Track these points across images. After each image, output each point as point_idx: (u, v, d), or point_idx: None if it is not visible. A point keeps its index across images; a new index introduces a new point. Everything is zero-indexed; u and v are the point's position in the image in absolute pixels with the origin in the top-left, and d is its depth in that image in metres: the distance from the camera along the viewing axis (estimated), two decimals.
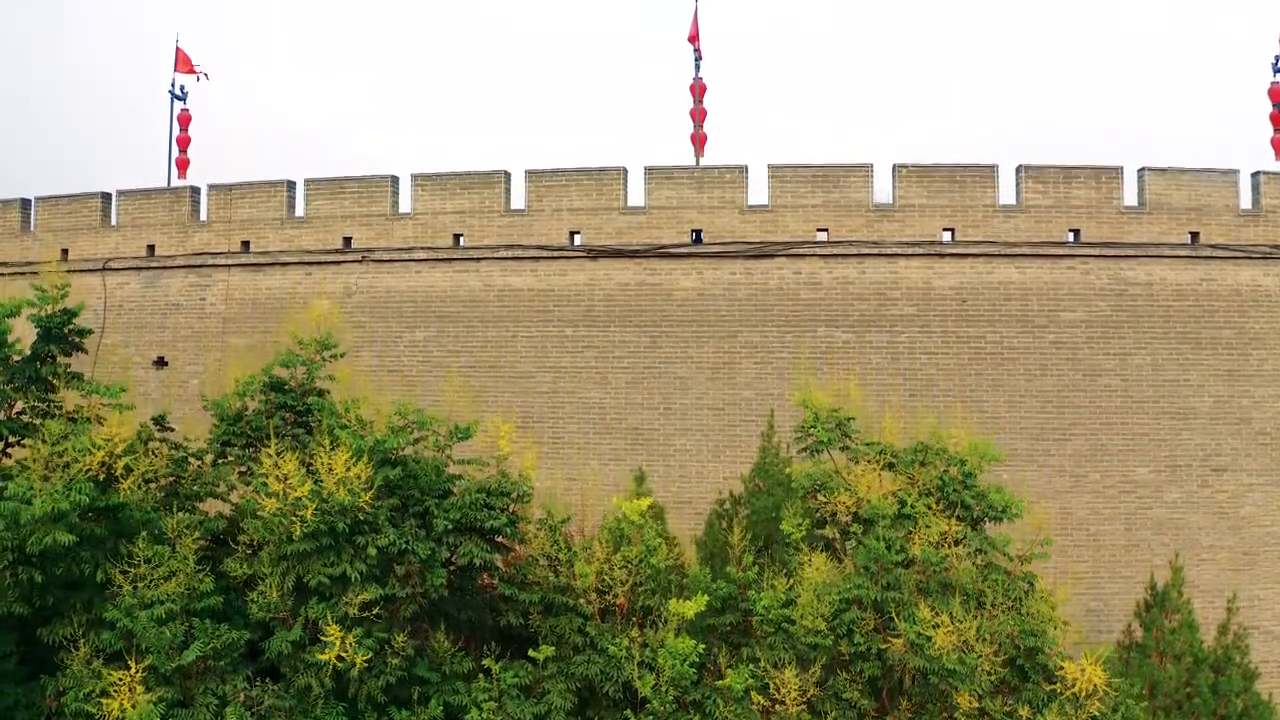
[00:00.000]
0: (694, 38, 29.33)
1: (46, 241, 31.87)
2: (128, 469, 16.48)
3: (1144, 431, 27.46)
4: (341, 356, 19.89)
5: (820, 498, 19.06)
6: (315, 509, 15.47)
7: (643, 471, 25.39)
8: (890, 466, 19.42)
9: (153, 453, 18.84)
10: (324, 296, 29.63)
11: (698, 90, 29.58)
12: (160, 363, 30.51)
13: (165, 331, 30.66)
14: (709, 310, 28.17)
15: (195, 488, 19.02)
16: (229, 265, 30.37)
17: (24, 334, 19.67)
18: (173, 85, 32.35)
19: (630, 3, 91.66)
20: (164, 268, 30.83)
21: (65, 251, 31.76)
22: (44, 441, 16.45)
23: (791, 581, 18.29)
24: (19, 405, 18.85)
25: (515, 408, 28.51)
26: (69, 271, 30.66)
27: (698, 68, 29.68)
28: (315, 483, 15.87)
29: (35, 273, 30.99)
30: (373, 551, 15.85)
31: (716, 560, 23.31)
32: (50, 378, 18.51)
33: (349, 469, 15.92)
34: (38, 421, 17.47)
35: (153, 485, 17.85)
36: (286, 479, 15.79)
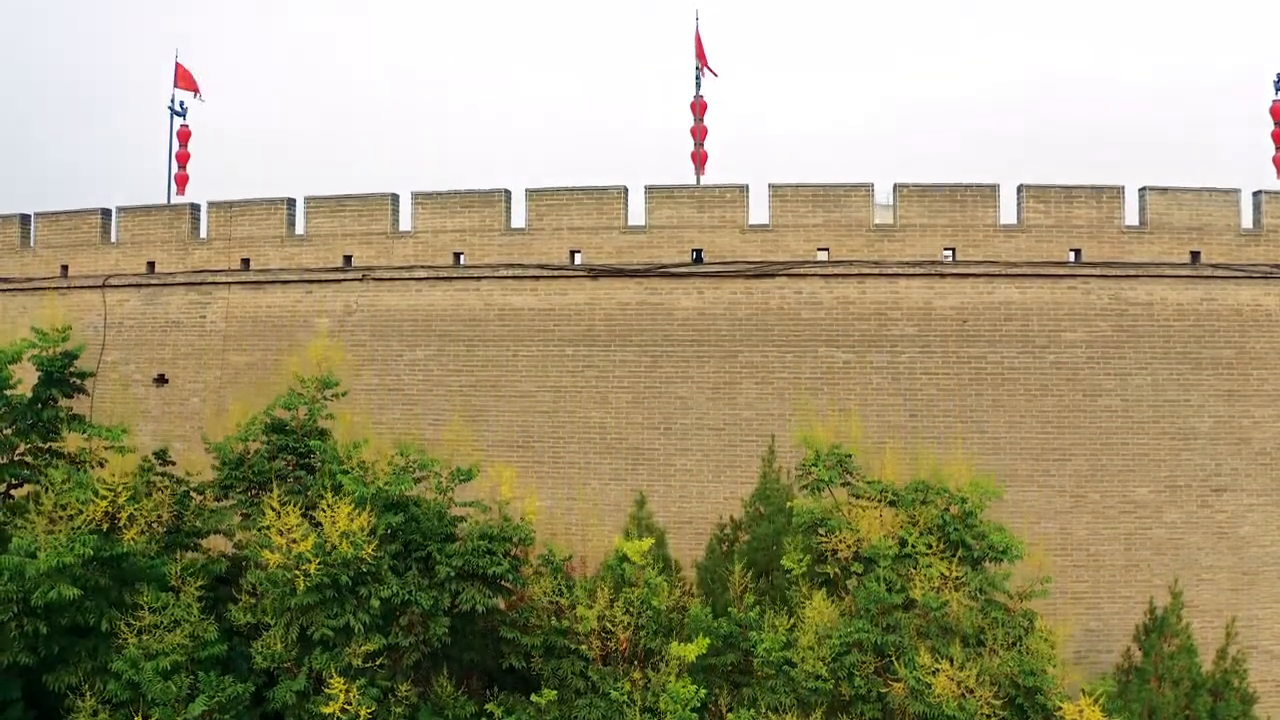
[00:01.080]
0: (700, 55, 29.19)
1: (46, 258, 31.85)
2: (131, 518, 16.52)
3: (1144, 452, 27.48)
4: (343, 395, 19.86)
5: (821, 534, 19.14)
6: (319, 563, 15.52)
7: (643, 495, 25.43)
8: (892, 503, 19.49)
9: (155, 489, 18.90)
10: (324, 315, 29.69)
11: (698, 108, 29.49)
12: (161, 380, 30.52)
13: (166, 349, 30.65)
14: (709, 330, 28.16)
15: (198, 523, 19.09)
16: (229, 283, 30.34)
17: (22, 360, 19.61)
18: (172, 101, 32.25)
19: (630, 20, 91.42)
20: (164, 285, 30.80)
21: (65, 268, 31.74)
22: (47, 490, 16.50)
23: (792, 621, 18.39)
24: (21, 447, 18.86)
25: (516, 427, 28.60)
26: (69, 288, 30.87)
27: (698, 85, 29.58)
28: (318, 536, 15.91)
29: (35, 289, 31.14)
30: (376, 603, 15.92)
31: (717, 587, 23.45)
32: (52, 421, 18.50)
33: (352, 520, 15.96)
34: (40, 465, 17.51)
35: (155, 525, 17.88)
36: (289, 533, 15.82)
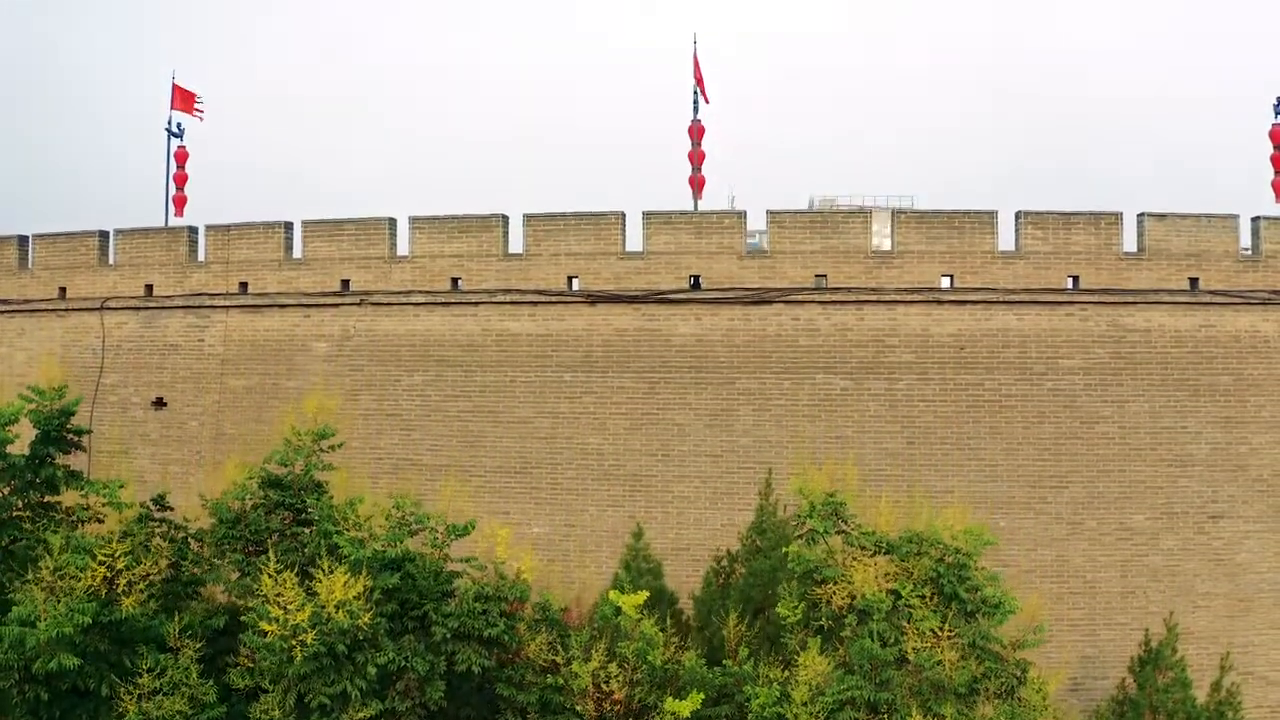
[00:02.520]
0: (698, 79, 29.08)
1: (44, 279, 31.86)
2: (130, 585, 16.61)
3: (1141, 479, 27.54)
4: (339, 448, 19.91)
5: (816, 583, 19.23)
6: (316, 633, 15.62)
7: (640, 526, 25.46)
8: (887, 552, 19.57)
9: (154, 539, 18.99)
10: (322, 339, 29.72)
11: (696, 133, 29.39)
12: (159, 403, 30.57)
13: (164, 372, 30.69)
14: (707, 356, 28.18)
15: (196, 571, 19.19)
16: (227, 306, 30.35)
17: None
18: (169, 122, 32.15)
19: (629, 44, 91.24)
20: (162, 308, 30.81)
21: (63, 290, 31.76)
22: (45, 555, 16.59)
23: (786, 675, 18.48)
24: (19, 504, 18.92)
25: (513, 453, 28.66)
26: (67, 310, 30.90)
27: (696, 110, 29.47)
28: (315, 605, 16.00)
29: (33, 310, 31.18)
30: (372, 669, 16.04)
31: (714, 622, 23.55)
32: (50, 479, 18.56)
33: (347, 589, 16.04)
34: (38, 529, 17.58)
35: (153, 576, 17.91)
36: (286, 603, 15.91)
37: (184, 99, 31.93)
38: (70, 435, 19.55)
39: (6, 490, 18.79)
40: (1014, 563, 27.16)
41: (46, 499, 18.68)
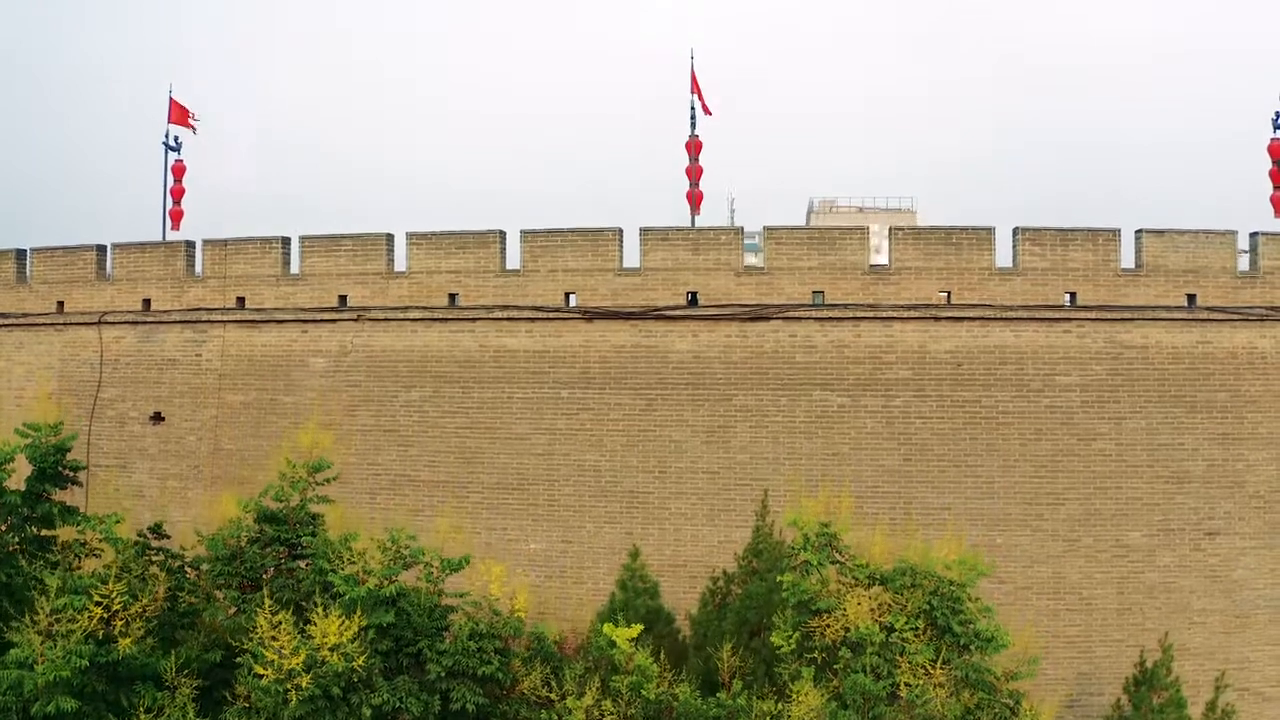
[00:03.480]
0: (696, 91, 29.02)
1: (42, 293, 31.89)
2: (126, 624, 16.68)
3: (1138, 496, 27.57)
4: (334, 480, 19.95)
5: (809, 615, 19.27)
6: (311, 677, 15.69)
7: (637, 547, 25.53)
8: (882, 583, 19.61)
9: (150, 570, 19.05)
10: (320, 355, 29.75)
11: (694, 148, 29.35)
12: (157, 418, 30.63)
13: (162, 387, 30.73)
14: (704, 373, 28.20)
15: (193, 600, 19.25)
16: (224, 321, 30.37)
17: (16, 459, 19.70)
18: (166, 136, 32.13)
19: (627, 61, 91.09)
20: (160, 322, 30.83)
21: (61, 304, 31.79)
22: (42, 595, 16.65)
23: (780, 708, 18.53)
24: (14, 540, 18.99)
25: (511, 469, 28.72)
26: (65, 324, 30.92)
27: (693, 125, 29.41)
28: (309, 649, 16.06)
29: (31, 325, 31.21)
30: (367, 711, 16.12)
31: (710, 643, 23.66)
32: (46, 516, 18.62)
33: (342, 632, 16.10)
34: (36, 569, 17.63)
35: (150, 611, 17.96)
36: (281, 649, 15.97)
37: (180, 113, 31.90)
38: (66, 471, 19.55)
39: (3, 528, 18.85)
40: (1010, 579, 27.25)
41: (43, 532, 18.73)
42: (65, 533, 19.07)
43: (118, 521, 18.72)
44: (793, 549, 19.99)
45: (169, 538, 20.53)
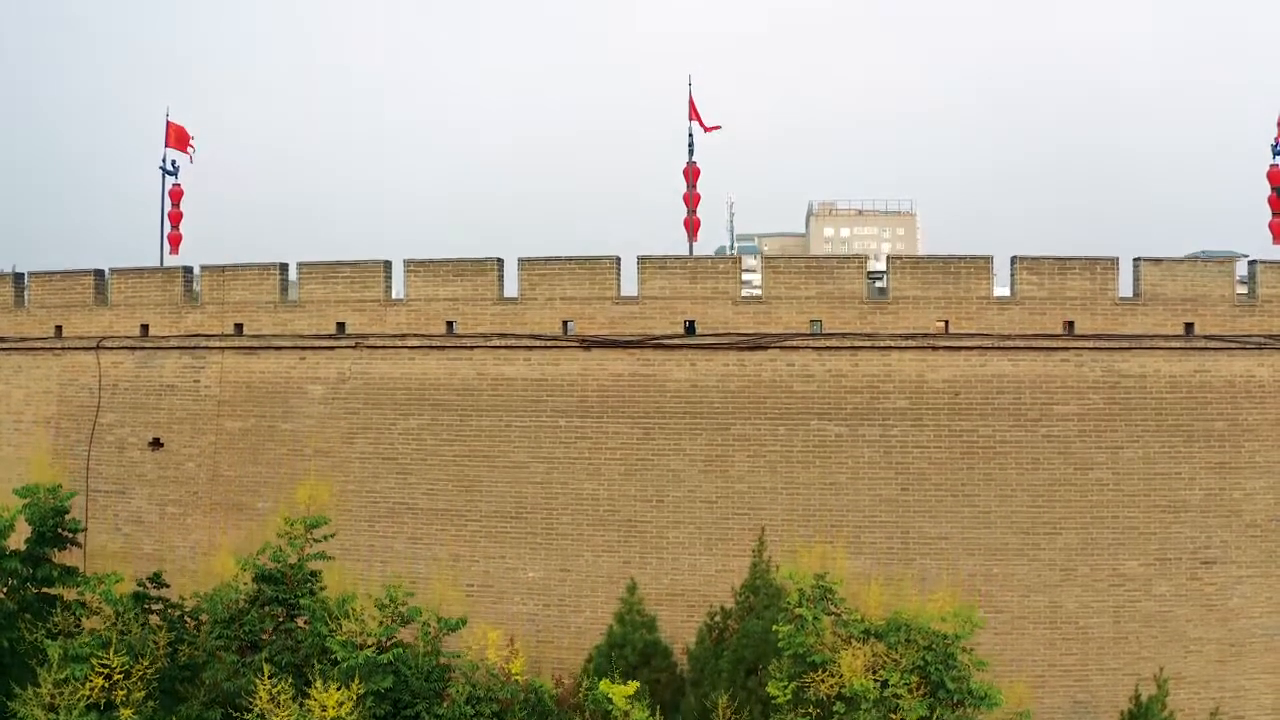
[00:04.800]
0: (694, 116, 28.94)
1: (40, 318, 31.92)
2: (128, 693, 16.77)
3: (1134, 525, 27.61)
4: (332, 537, 20.00)
5: (807, 670, 19.35)
6: None
7: (634, 580, 25.65)
8: (878, 637, 19.67)
9: (149, 619, 19.15)
10: (318, 382, 29.79)
11: (691, 175, 29.29)
12: (156, 444, 30.67)
13: (160, 412, 30.77)
14: (702, 402, 28.20)
15: (193, 652, 19.35)
16: (222, 348, 30.39)
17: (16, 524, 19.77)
18: (164, 160, 32.07)
19: (625, 85, 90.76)
20: (158, 348, 30.85)
21: (59, 328, 31.81)
22: (44, 667, 16.74)
23: None
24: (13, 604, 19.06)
25: (509, 498, 28.78)
26: (64, 349, 30.94)
27: (691, 152, 29.34)
28: None
29: (30, 349, 31.23)
30: None
31: (707, 681, 23.83)
32: (46, 579, 18.69)
33: (341, 706, 16.17)
34: (38, 638, 17.71)
35: (149, 674, 18.06)
36: None
37: (178, 136, 31.84)
38: (65, 533, 19.61)
39: (3, 593, 18.92)
40: (1007, 609, 27.34)
41: (44, 590, 18.81)
42: (66, 590, 19.13)
43: (117, 581, 18.78)
44: (788, 602, 20.01)
45: (168, 586, 20.62)
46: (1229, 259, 28.10)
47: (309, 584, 19.18)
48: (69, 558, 20.58)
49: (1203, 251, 52.21)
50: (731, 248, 59.21)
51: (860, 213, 51.90)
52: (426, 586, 27.91)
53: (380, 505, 29.22)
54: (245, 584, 19.10)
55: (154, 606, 20.01)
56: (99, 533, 30.49)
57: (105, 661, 16.93)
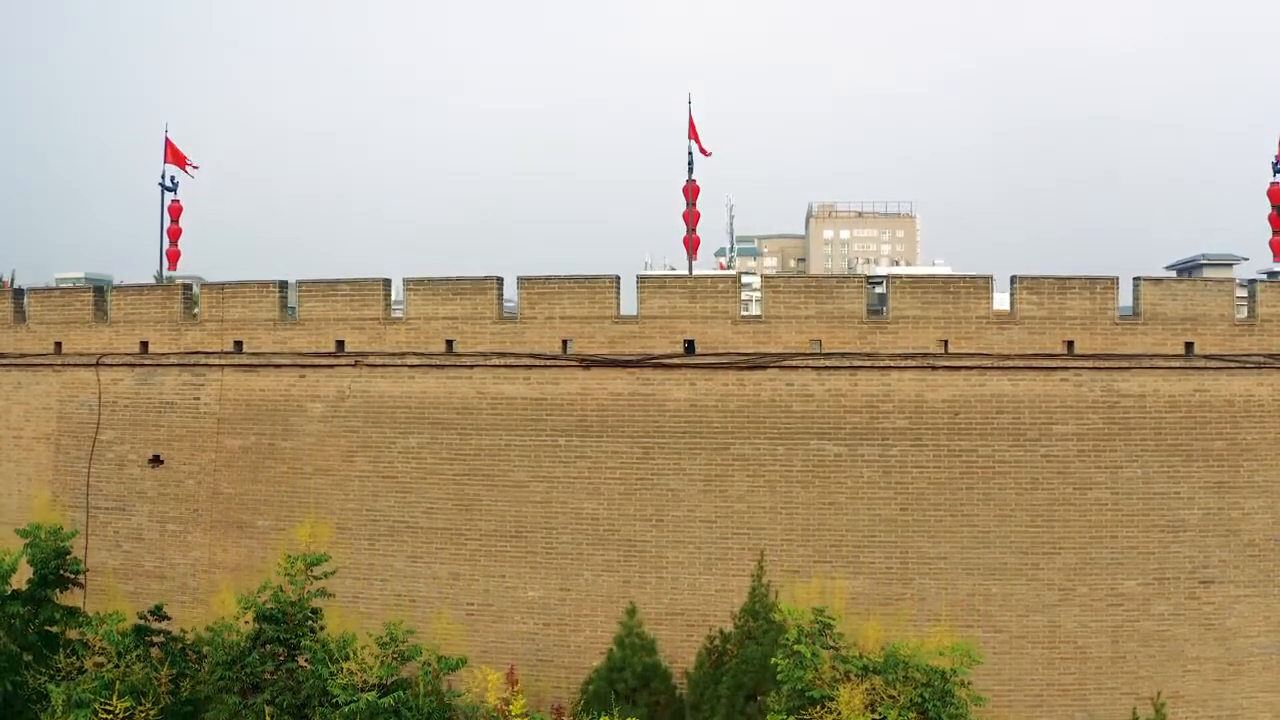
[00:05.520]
0: (693, 136, 28.88)
1: (40, 334, 31.93)
2: None
3: (1133, 544, 27.65)
4: (332, 574, 20.03)
5: (804, 707, 19.43)
6: None
7: (633, 604, 25.71)
8: (875, 673, 19.74)
9: (153, 655, 19.23)
10: (317, 400, 29.80)
11: (691, 193, 29.24)
12: (156, 461, 30.70)
13: (160, 429, 30.79)
14: (701, 421, 28.22)
15: (196, 687, 19.42)
16: (222, 365, 30.39)
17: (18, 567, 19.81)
18: (162, 176, 32.03)
19: (625, 105, 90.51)
20: (157, 365, 30.86)
21: (59, 344, 31.81)
22: (46, 710, 16.82)
23: None
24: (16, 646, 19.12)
25: (509, 517, 28.82)
26: (64, 365, 30.97)
27: (690, 170, 29.28)
28: None
29: (30, 365, 31.24)
30: None
31: (707, 705, 23.95)
32: (49, 620, 18.74)
33: None
34: (41, 682, 17.78)
35: (151, 715, 18.15)
36: None
37: (176, 154, 31.79)
38: (67, 574, 19.66)
39: (5, 637, 18.97)
40: (1006, 629, 27.42)
41: (47, 629, 18.88)
42: (69, 633, 19.20)
43: (120, 621, 18.83)
44: (785, 639, 20.07)
45: (169, 619, 20.67)
46: (1228, 280, 28.04)
47: (310, 623, 19.22)
48: (71, 597, 20.61)
49: (1202, 255, 52.33)
50: (731, 249, 59.29)
51: (860, 215, 51.77)
52: (427, 606, 28.16)
53: (380, 524, 29.26)
54: (246, 623, 19.15)
55: (156, 639, 20.05)
56: (99, 549, 30.57)
57: (109, 707, 17.00)
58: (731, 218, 53.51)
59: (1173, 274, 47.10)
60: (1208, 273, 48.63)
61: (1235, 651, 27.73)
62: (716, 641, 25.15)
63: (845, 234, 60.54)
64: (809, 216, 54.75)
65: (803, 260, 60.87)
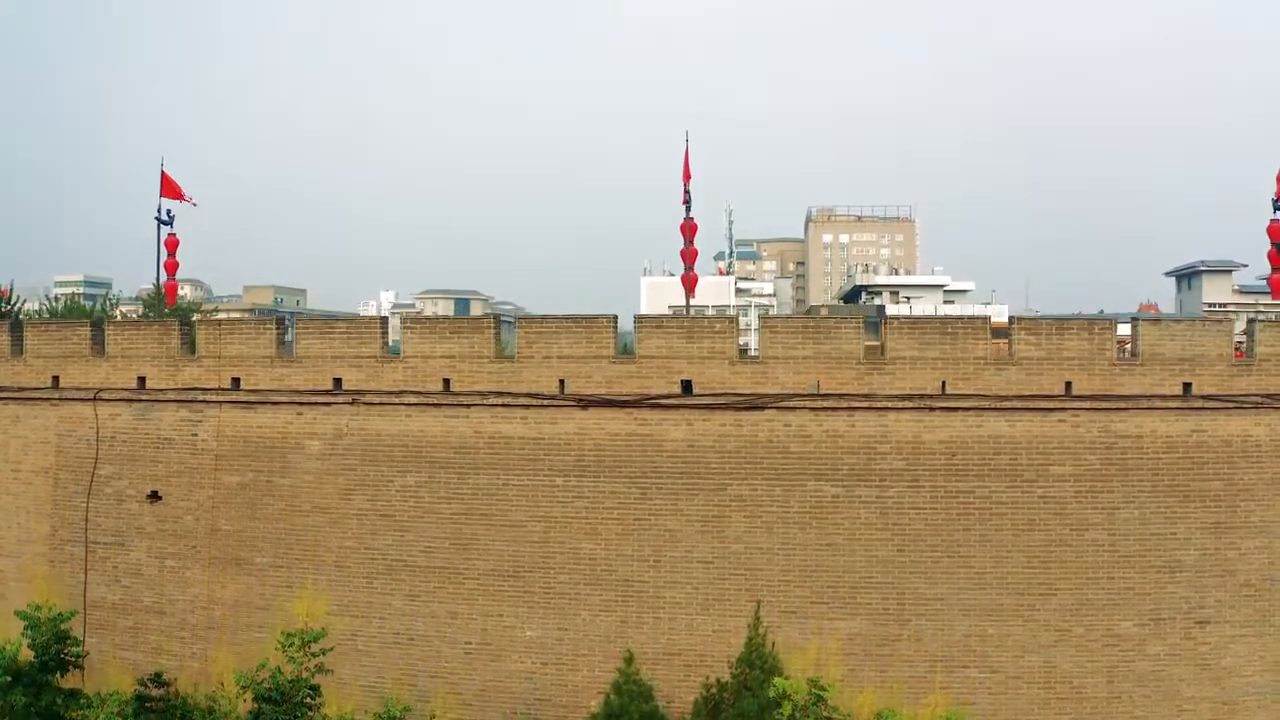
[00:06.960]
0: (687, 178, 28.76)
1: (37, 368, 31.89)
2: None
3: (1129, 585, 27.71)
4: (329, 652, 20.10)
5: None
6: None
7: (631, 651, 25.85)
8: None
9: None
10: (315, 438, 29.82)
11: (688, 231, 29.14)
12: (154, 497, 30.74)
13: (159, 465, 30.83)
14: (699, 462, 28.24)
15: None
16: (220, 402, 30.38)
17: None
18: (159, 210, 31.91)
19: (625, 136, 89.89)
20: (155, 400, 30.85)
21: (56, 379, 31.79)
22: None
23: None
24: None
25: (506, 557, 28.88)
26: (61, 399, 30.95)
27: (688, 209, 29.17)
28: None
29: (27, 399, 31.24)
30: None
31: None
32: (50, 706, 18.84)
33: None
34: None
35: None
36: None
37: (172, 187, 31.66)
38: (68, 657, 19.74)
39: None
40: (1002, 669, 27.52)
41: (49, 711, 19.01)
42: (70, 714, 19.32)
43: (121, 702, 18.92)
44: (781, 716, 20.19)
45: (169, 684, 20.77)
46: (1228, 320, 27.97)
47: (308, 701, 19.33)
48: (72, 676, 20.72)
49: (1201, 262, 52.24)
50: (731, 253, 59.15)
51: (859, 219, 51.47)
52: (425, 644, 28.32)
53: (378, 562, 29.34)
54: (245, 703, 19.26)
55: (156, 705, 20.18)
56: (98, 584, 30.67)
57: None
58: (730, 222, 53.38)
59: (1171, 279, 47.09)
60: (1206, 279, 48.65)
61: (1230, 691, 27.84)
62: (713, 690, 25.32)
63: (844, 238, 60.27)
64: (808, 220, 54.47)
65: (801, 264, 60.69)
